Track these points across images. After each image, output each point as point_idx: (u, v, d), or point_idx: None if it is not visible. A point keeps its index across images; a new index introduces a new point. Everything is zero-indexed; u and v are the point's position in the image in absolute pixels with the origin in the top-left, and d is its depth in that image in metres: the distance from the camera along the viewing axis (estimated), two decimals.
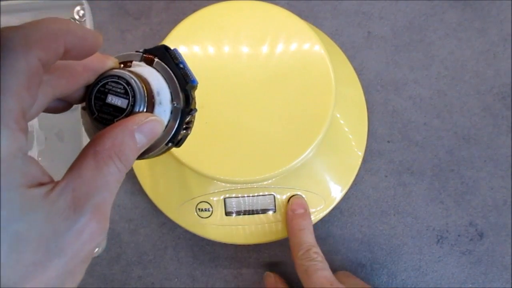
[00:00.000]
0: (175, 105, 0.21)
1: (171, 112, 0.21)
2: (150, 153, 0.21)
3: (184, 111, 0.22)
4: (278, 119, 0.39)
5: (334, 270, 0.49)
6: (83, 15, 0.45)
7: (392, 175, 0.50)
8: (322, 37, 0.50)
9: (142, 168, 0.49)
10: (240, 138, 0.39)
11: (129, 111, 0.19)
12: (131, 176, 0.50)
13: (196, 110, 0.23)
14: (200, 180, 0.44)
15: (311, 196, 0.44)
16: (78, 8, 0.45)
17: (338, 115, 0.46)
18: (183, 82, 0.22)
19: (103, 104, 0.19)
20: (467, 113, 0.51)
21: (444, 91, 0.51)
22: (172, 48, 0.22)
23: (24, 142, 0.16)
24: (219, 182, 0.43)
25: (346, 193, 0.49)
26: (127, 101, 0.19)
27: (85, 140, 0.48)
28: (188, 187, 0.45)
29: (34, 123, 0.48)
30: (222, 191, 0.44)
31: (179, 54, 0.22)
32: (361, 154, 0.48)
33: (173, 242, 0.50)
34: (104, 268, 0.50)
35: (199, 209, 0.45)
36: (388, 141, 0.51)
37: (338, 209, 0.50)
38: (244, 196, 0.44)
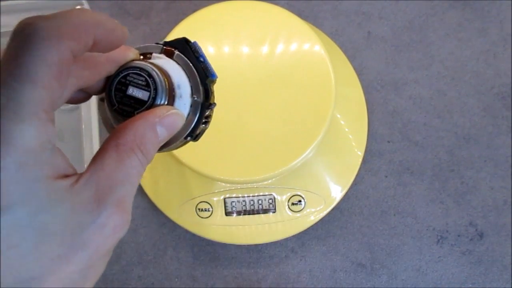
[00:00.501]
0: (195, 98, 0.21)
1: (191, 106, 0.21)
2: (168, 147, 0.21)
3: (204, 105, 0.21)
4: (278, 119, 0.39)
5: (334, 270, 0.49)
6: None
7: (392, 175, 0.50)
8: (322, 37, 0.50)
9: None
10: (240, 138, 0.39)
11: (150, 104, 0.19)
12: None
13: (215, 104, 0.23)
14: (200, 180, 0.44)
15: (311, 196, 0.44)
16: (78, 8, 0.45)
17: (338, 116, 0.46)
18: (203, 76, 0.22)
19: (124, 96, 0.19)
20: (467, 113, 0.51)
21: (444, 91, 0.51)
22: (192, 41, 0.22)
23: (53, 133, 0.16)
24: (219, 182, 0.43)
25: (346, 193, 0.49)
26: (148, 93, 0.19)
27: (85, 140, 0.48)
28: (188, 187, 0.45)
29: None
30: (222, 191, 0.44)
31: (199, 48, 0.22)
32: (361, 154, 0.48)
33: (173, 242, 0.50)
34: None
35: (199, 209, 0.45)
36: (388, 141, 0.51)
37: (338, 209, 0.50)
38: (244, 196, 0.44)
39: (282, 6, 0.42)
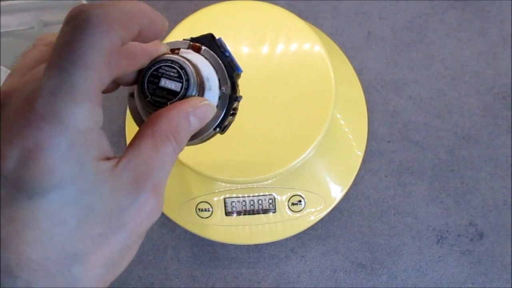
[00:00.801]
0: (224, 91, 0.22)
1: (219, 98, 0.22)
2: (198, 138, 0.22)
3: (231, 98, 0.22)
4: (278, 119, 0.39)
5: (334, 270, 0.49)
6: None
7: (392, 175, 0.50)
8: (322, 37, 0.50)
9: None
10: (240, 138, 0.39)
11: (183, 95, 0.20)
12: None
13: (241, 97, 0.24)
14: (200, 180, 0.44)
15: (311, 196, 0.44)
16: None
17: (338, 115, 0.46)
18: (230, 69, 0.22)
19: (156, 88, 0.20)
20: (467, 113, 0.51)
21: (444, 91, 0.51)
22: (217, 37, 0.23)
23: (101, 116, 0.16)
24: (219, 182, 0.43)
25: (346, 193, 0.49)
26: (180, 84, 0.20)
27: None
28: (188, 187, 0.45)
29: None
30: (222, 191, 0.44)
31: (224, 43, 0.23)
32: (361, 154, 0.48)
33: (173, 242, 0.50)
34: None
35: (199, 209, 0.45)
36: (388, 141, 0.51)
37: (338, 209, 0.50)
38: (244, 196, 0.44)
39: (282, 6, 0.42)
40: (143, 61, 0.20)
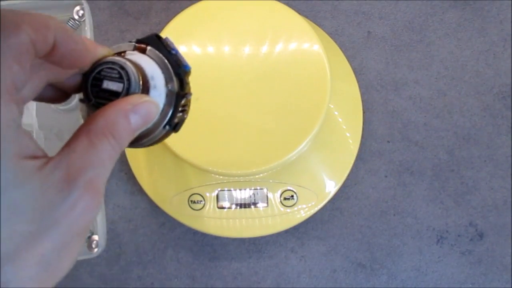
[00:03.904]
0: (170, 88, 0.22)
1: (166, 96, 0.22)
2: (149, 137, 0.22)
3: (179, 95, 0.22)
4: (273, 113, 0.39)
5: (334, 270, 0.49)
6: (83, 15, 0.45)
7: (392, 175, 0.50)
8: (319, 33, 0.50)
9: (137, 159, 0.49)
10: (235, 131, 0.39)
11: (125, 94, 0.20)
12: (131, 177, 0.50)
13: (191, 94, 0.24)
14: (193, 172, 0.44)
15: (304, 192, 0.44)
16: (77, 8, 0.45)
17: (333, 111, 0.46)
18: (176, 67, 0.22)
19: (99, 90, 0.20)
20: (467, 113, 0.51)
21: (444, 91, 0.51)
22: (164, 37, 0.23)
23: (17, 113, 0.16)
24: (212, 175, 0.43)
25: (346, 193, 0.49)
26: (122, 84, 0.20)
27: None
28: (181, 179, 0.45)
29: (34, 123, 0.48)
30: (215, 184, 0.44)
31: (171, 42, 0.23)
32: (355, 150, 0.48)
33: (173, 242, 0.50)
34: (104, 268, 0.50)
35: (191, 201, 0.45)
36: (388, 141, 0.51)
37: (338, 209, 0.50)
38: (236, 190, 0.44)
39: None
40: (80, 65, 0.20)
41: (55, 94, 0.21)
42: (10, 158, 0.16)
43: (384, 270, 0.49)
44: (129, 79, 0.20)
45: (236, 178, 0.43)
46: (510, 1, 0.53)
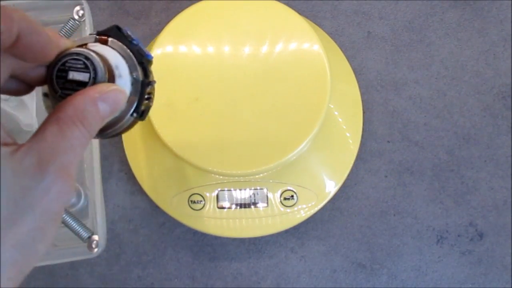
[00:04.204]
0: (134, 77, 0.22)
1: (132, 84, 0.22)
2: (117, 126, 0.22)
3: (144, 83, 0.23)
4: (273, 112, 0.39)
5: (334, 270, 0.49)
6: (83, 15, 0.45)
7: (392, 175, 0.50)
8: (319, 33, 0.50)
9: (137, 159, 0.49)
10: (235, 131, 0.39)
11: (91, 84, 0.20)
12: (131, 177, 0.50)
13: (155, 82, 0.24)
14: (193, 172, 0.44)
15: (304, 192, 0.44)
16: (77, 8, 0.45)
17: (333, 111, 0.46)
18: (139, 56, 0.23)
19: (65, 81, 0.20)
20: (467, 113, 0.51)
21: (444, 91, 0.51)
22: (123, 27, 0.24)
23: None
24: (212, 175, 0.43)
25: (346, 193, 0.49)
26: (88, 74, 0.20)
27: None
28: (181, 179, 0.45)
29: (33, 123, 0.48)
30: (215, 184, 0.44)
31: (132, 32, 0.23)
32: (355, 150, 0.48)
33: (173, 242, 0.50)
34: (103, 268, 0.50)
35: (191, 201, 0.45)
36: (388, 141, 0.51)
37: (338, 209, 0.50)
38: (236, 190, 0.44)
39: None
40: (44, 57, 0.20)
41: (19, 86, 0.21)
42: None
43: (384, 270, 0.49)
44: (95, 69, 0.20)
45: (236, 178, 0.43)
46: (510, 1, 0.53)
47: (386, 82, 0.52)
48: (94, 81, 0.20)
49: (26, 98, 0.47)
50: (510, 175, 0.49)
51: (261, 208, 0.44)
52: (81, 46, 0.22)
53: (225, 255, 0.50)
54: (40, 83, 0.21)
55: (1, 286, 0.16)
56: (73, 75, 0.20)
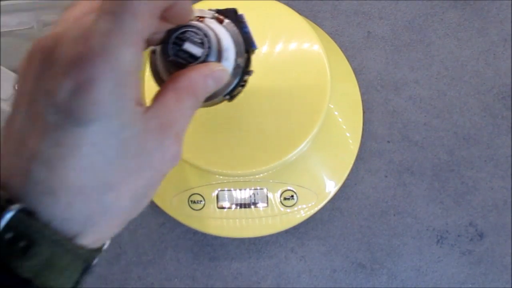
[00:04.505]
0: (238, 63, 0.24)
1: (234, 69, 0.24)
2: (209, 101, 0.24)
3: (244, 70, 0.25)
4: (273, 112, 0.39)
5: (334, 270, 0.49)
6: None
7: (392, 175, 0.50)
8: (319, 33, 0.50)
9: None
10: (235, 131, 0.39)
11: (203, 60, 0.21)
12: None
13: (253, 71, 0.26)
14: (193, 172, 0.44)
15: (304, 192, 0.44)
16: None
17: (333, 111, 0.46)
18: (247, 44, 0.25)
19: (180, 50, 0.21)
20: (467, 113, 0.51)
21: (444, 91, 0.51)
22: (240, 13, 0.25)
23: (142, 62, 0.18)
24: (212, 175, 0.43)
25: (346, 193, 0.49)
26: (202, 50, 0.21)
27: None
28: (181, 179, 0.45)
29: None
30: (215, 184, 0.44)
31: (245, 20, 0.25)
32: (355, 150, 0.48)
33: (173, 242, 0.50)
34: (103, 268, 0.50)
35: (191, 201, 0.45)
36: (388, 141, 0.51)
37: (338, 209, 0.50)
38: (236, 190, 0.44)
39: None
40: (181, 21, 0.22)
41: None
42: (130, 101, 0.17)
43: (384, 270, 0.49)
44: (210, 47, 0.21)
45: (236, 178, 0.43)
46: (510, 1, 0.53)
47: (386, 82, 0.52)
48: (206, 58, 0.21)
49: None
50: (510, 175, 0.49)
51: (261, 208, 0.44)
52: (198, 18, 0.24)
53: (225, 255, 0.50)
54: (155, 43, 0.23)
55: (112, 232, 0.18)
56: (188, 47, 0.21)
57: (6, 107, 0.44)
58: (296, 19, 0.41)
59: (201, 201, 0.44)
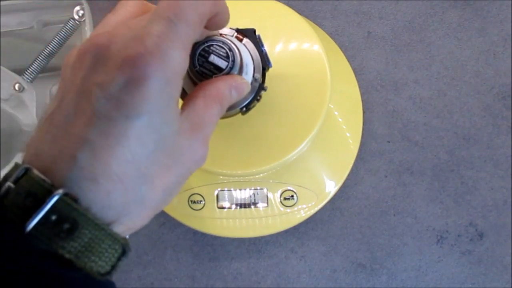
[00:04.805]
0: (256, 78, 0.26)
1: (251, 83, 0.26)
2: (227, 112, 0.25)
3: (261, 86, 0.27)
4: (273, 112, 0.39)
5: (334, 270, 0.49)
6: (83, 15, 0.45)
7: (392, 175, 0.50)
8: (319, 33, 0.50)
9: None
10: (235, 131, 0.39)
11: (227, 72, 0.23)
12: None
13: (267, 87, 0.28)
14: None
15: (304, 192, 0.44)
16: (77, 8, 0.45)
17: (333, 111, 0.46)
18: (263, 62, 0.27)
19: (205, 61, 0.23)
20: (467, 113, 0.51)
21: (444, 91, 0.51)
22: (257, 34, 0.28)
23: (187, 66, 0.19)
24: (212, 175, 0.43)
25: (346, 193, 0.49)
26: (226, 63, 0.23)
27: None
28: None
29: (33, 123, 0.48)
30: (215, 184, 0.44)
31: (262, 40, 0.27)
32: (355, 150, 0.48)
33: (173, 242, 0.50)
34: None
35: (191, 201, 0.45)
36: (388, 141, 0.51)
37: (338, 209, 0.50)
38: (236, 190, 0.44)
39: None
40: (211, 30, 0.23)
41: None
42: (174, 101, 0.19)
43: (384, 270, 0.49)
44: (234, 61, 0.23)
45: (236, 178, 0.43)
46: (510, 1, 0.53)
47: (386, 82, 0.52)
48: (230, 70, 0.23)
49: (26, 98, 0.47)
50: (510, 175, 0.49)
51: (261, 208, 0.44)
52: (221, 35, 0.26)
53: (225, 255, 0.50)
54: None
55: (142, 223, 0.20)
56: (214, 59, 0.23)
57: (6, 107, 0.44)
58: (296, 19, 0.41)
59: (201, 201, 0.44)
